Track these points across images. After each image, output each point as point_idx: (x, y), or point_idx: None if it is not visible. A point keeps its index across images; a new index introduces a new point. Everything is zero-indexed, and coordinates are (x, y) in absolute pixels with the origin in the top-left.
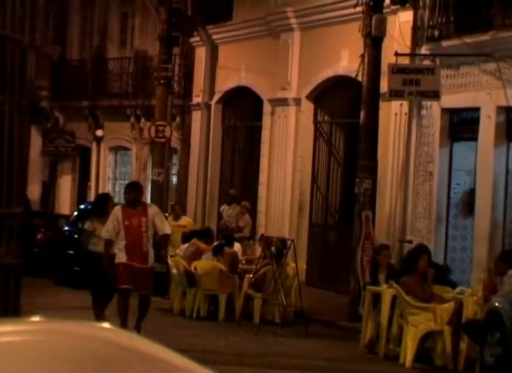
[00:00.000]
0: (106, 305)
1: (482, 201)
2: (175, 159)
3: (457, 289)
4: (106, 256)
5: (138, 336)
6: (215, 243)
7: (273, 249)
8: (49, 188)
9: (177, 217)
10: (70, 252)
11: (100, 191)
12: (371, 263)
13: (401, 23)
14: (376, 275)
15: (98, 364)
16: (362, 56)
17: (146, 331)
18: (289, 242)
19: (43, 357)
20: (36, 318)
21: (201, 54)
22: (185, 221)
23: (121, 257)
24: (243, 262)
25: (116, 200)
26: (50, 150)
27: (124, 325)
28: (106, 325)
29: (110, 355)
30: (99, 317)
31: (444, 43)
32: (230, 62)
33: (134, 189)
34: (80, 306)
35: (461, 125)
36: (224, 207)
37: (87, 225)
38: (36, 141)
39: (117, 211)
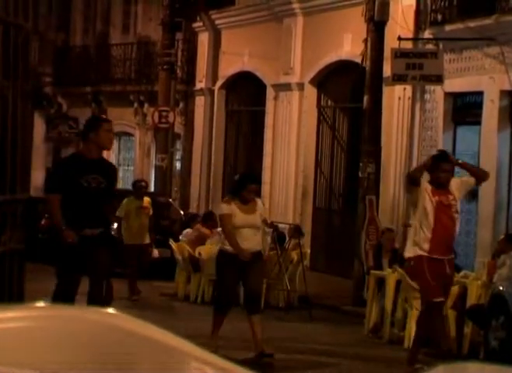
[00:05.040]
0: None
1: (486, 185)
2: (178, 145)
3: (462, 273)
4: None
5: (144, 322)
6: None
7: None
8: None
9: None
10: None
11: None
12: (375, 248)
13: (404, 7)
14: (379, 259)
15: (104, 350)
16: (366, 40)
17: (150, 316)
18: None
19: (47, 342)
20: (40, 304)
21: (203, 39)
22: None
23: (423, 247)
24: None
25: (120, 186)
26: (53, 136)
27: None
28: (111, 310)
29: (116, 341)
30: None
31: (447, 27)
32: (233, 47)
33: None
34: (84, 292)
35: (465, 109)
36: None
37: (225, 208)
38: (39, 127)
39: (426, 186)
